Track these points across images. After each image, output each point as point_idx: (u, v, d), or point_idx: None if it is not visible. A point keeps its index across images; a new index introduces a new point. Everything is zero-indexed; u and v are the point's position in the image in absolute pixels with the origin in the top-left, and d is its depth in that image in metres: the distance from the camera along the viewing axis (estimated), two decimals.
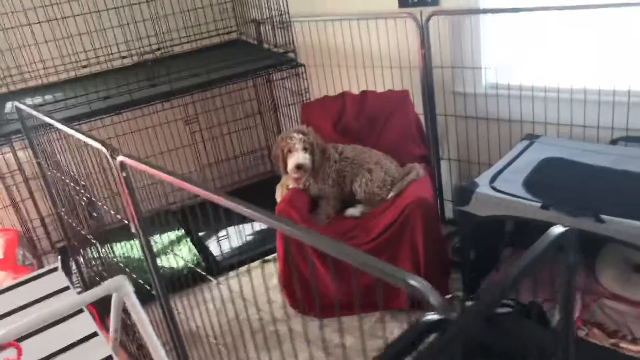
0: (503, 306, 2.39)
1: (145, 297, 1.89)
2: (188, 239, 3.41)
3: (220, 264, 3.16)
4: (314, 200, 2.76)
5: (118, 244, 2.76)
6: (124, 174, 1.53)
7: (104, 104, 2.65)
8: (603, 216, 1.90)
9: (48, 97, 2.98)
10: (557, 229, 0.83)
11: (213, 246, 3.36)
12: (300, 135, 2.60)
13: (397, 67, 3.04)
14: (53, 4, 3.03)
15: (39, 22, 3.04)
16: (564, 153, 2.40)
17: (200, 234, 3.50)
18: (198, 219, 3.63)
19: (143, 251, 1.80)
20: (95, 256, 2.55)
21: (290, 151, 2.65)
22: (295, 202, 2.61)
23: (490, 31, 2.75)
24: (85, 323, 2.02)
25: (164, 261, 3.22)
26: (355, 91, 3.04)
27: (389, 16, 2.93)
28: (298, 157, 2.60)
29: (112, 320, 1.97)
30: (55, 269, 2.24)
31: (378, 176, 2.65)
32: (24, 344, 1.85)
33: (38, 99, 2.95)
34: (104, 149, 1.57)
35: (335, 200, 2.73)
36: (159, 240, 3.44)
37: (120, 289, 1.71)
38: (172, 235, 3.50)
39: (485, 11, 2.71)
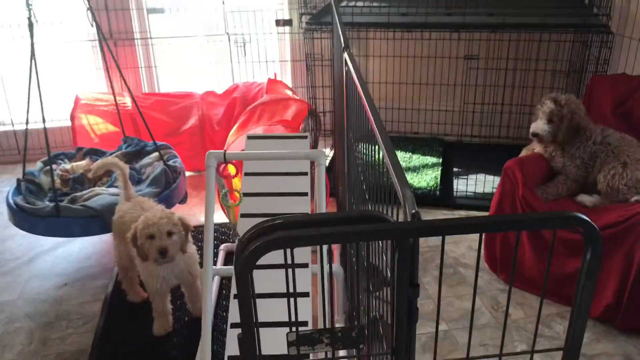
0: None
1: None
2: (440, 168, 3.61)
3: (453, 200, 3.30)
4: (554, 173, 2.62)
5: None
6: (346, 69, 1.81)
7: (399, 19, 2.93)
8: None
9: (368, 2, 3.39)
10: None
11: (457, 183, 3.49)
12: (552, 105, 2.46)
13: None
14: None
15: None
16: None
17: (455, 169, 3.66)
18: (456, 155, 3.80)
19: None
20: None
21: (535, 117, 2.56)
22: (528, 165, 2.53)
23: None
24: (304, 183, 2.48)
25: (409, 177, 3.52)
26: None
27: None
28: (537, 125, 2.52)
29: (315, 183, 2.36)
30: (305, 137, 2.73)
31: (631, 174, 2.34)
32: (251, 179, 2.41)
33: (366, 4, 3.39)
34: (342, 43, 1.86)
35: (574, 182, 2.54)
36: (412, 158, 3.74)
37: (317, 159, 2.05)
38: (430, 159, 3.74)
39: None
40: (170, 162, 2.97)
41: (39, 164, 2.95)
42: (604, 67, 2.81)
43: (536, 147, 2.67)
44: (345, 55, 1.78)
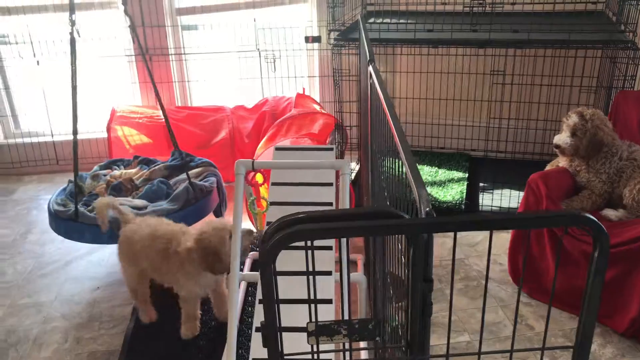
0: None
1: None
2: (466, 183, 3.63)
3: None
4: (579, 188, 2.62)
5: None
6: (370, 82, 1.87)
7: (425, 35, 2.99)
8: None
9: (395, 19, 3.46)
10: None
11: (483, 197, 3.50)
12: (577, 118, 2.48)
13: None
14: None
15: None
16: None
17: (481, 184, 3.68)
18: (482, 170, 3.81)
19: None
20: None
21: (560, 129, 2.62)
22: (553, 179, 2.54)
23: None
24: (329, 193, 2.54)
25: (434, 191, 3.55)
26: None
27: None
28: (560, 137, 2.56)
29: (339, 193, 2.42)
30: (331, 149, 2.80)
31: None
32: (278, 188, 2.48)
33: (393, 20, 3.46)
34: (368, 56, 1.93)
35: (599, 197, 2.54)
36: (438, 172, 3.77)
37: (342, 169, 2.12)
38: (455, 174, 3.77)
39: None
40: (201, 181, 2.94)
41: (95, 168, 3.10)
42: (630, 83, 2.82)
43: (561, 162, 2.68)
44: (370, 68, 1.84)
